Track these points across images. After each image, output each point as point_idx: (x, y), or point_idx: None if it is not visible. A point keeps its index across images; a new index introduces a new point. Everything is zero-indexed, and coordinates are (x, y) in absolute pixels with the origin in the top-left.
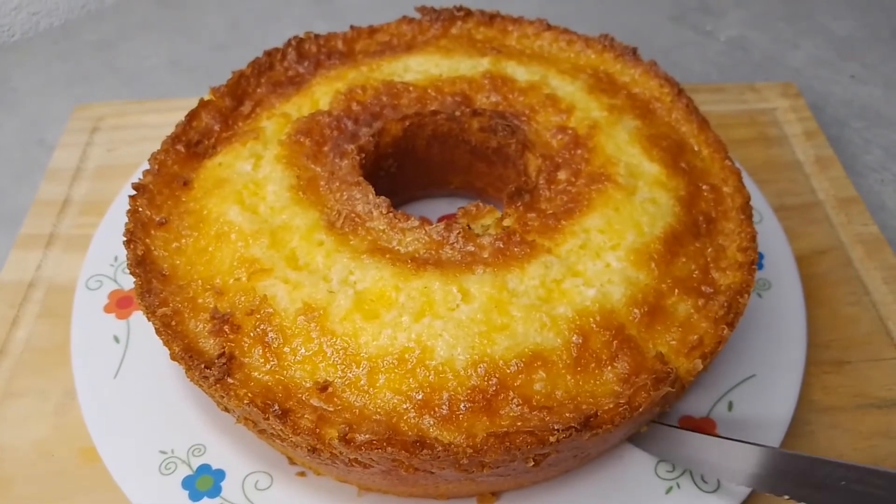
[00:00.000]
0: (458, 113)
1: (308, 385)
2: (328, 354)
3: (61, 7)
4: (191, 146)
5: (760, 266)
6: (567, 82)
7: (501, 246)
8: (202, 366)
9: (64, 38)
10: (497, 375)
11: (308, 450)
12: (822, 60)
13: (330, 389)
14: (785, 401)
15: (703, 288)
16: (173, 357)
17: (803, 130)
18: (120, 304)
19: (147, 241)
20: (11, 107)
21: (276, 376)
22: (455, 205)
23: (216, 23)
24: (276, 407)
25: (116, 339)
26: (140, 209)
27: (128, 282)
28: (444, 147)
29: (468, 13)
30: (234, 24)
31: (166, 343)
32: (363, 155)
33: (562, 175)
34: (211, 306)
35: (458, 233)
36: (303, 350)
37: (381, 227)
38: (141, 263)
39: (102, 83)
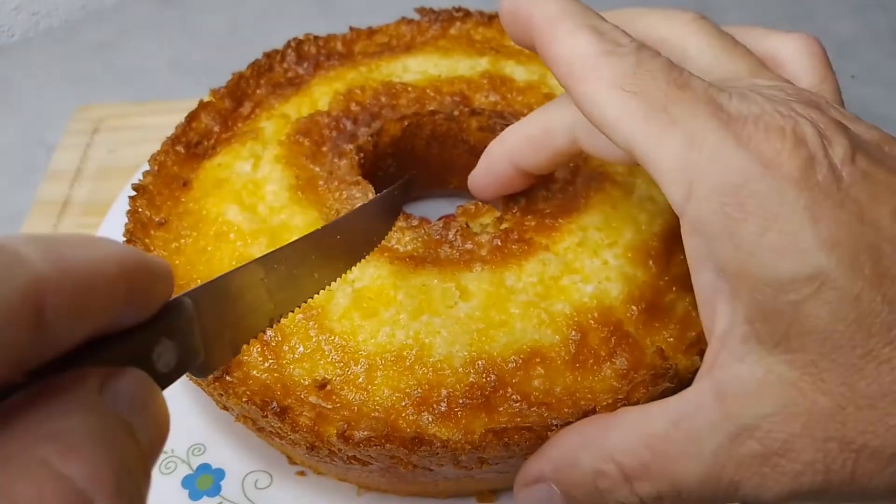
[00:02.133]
0: (456, 113)
1: (306, 383)
2: (326, 352)
3: (61, 7)
4: (190, 147)
5: None
6: None
7: (499, 244)
8: None
9: (64, 38)
10: (495, 372)
11: (307, 447)
12: None
13: (328, 387)
14: None
15: None
16: None
17: None
18: None
19: (147, 241)
20: (11, 107)
21: (275, 374)
22: (455, 204)
23: (217, 23)
24: (275, 405)
25: None
26: (140, 210)
27: None
28: (443, 147)
29: (467, 14)
30: (234, 25)
31: None
32: (362, 155)
33: (559, 174)
34: None
35: (457, 231)
36: (301, 348)
37: None
38: None
39: (103, 83)
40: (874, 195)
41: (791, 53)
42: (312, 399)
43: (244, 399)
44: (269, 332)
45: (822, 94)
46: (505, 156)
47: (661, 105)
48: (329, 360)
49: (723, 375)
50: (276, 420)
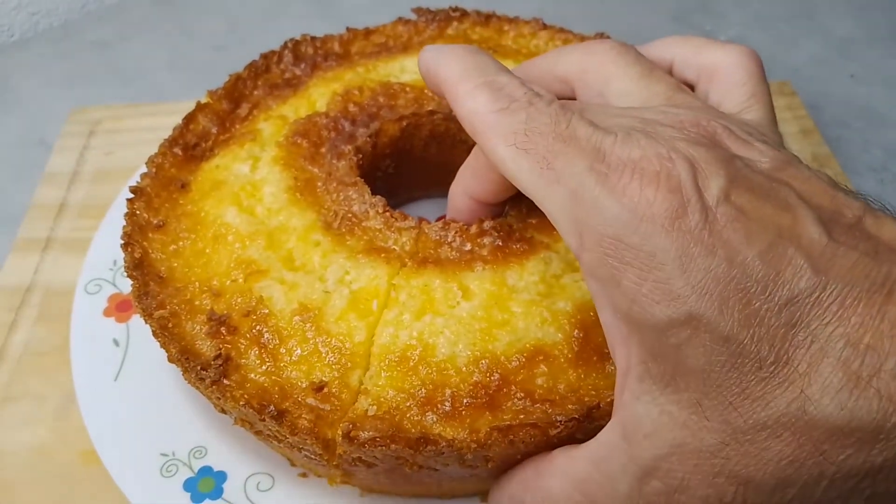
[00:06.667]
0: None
1: (304, 385)
2: (324, 354)
3: (61, 7)
4: (188, 149)
5: None
6: None
7: (500, 244)
8: (199, 368)
9: (64, 38)
10: (499, 371)
11: (315, 455)
12: (822, 60)
13: (325, 389)
14: None
15: None
16: (171, 359)
17: (800, 129)
18: (119, 308)
19: (145, 243)
20: (11, 107)
21: (273, 377)
22: None
23: (216, 23)
24: (272, 408)
25: (116, 343)
26: (138, 212)
27: (127, 285)
28: (442, 147)
29: (464, 14)
30: (233, 25)
31: (163, 345)
32: (360, 156)
33: None
34: (208, 308)
35: (456, 232)
36: (298, 350)
37: (378, 227)
38: (138, 266)
39: (102, 83)
40: (747, 235)
41: (724, 67)
42: (310, 401)
43: (241, 403)
44: (266, 335)
45: (749, 111)
46: (461, 191)
47: (546, 162)
48: (327, 362)
49: (626, 415)
50: (273, 423)
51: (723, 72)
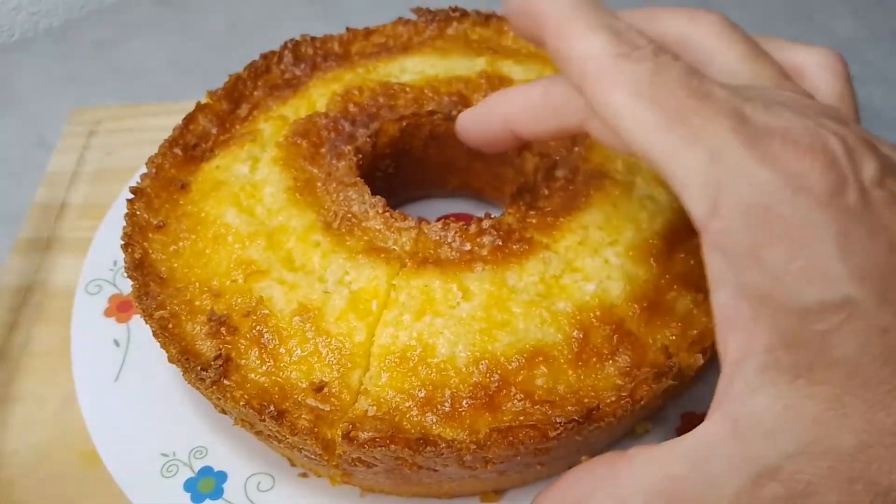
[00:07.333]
0: (454, 112)
1: (304, 385)
2: (324, 354)
3: (61, 7)
4: (188, 149)
5: None
6: None
7: (500, 244)
8: (199, 368)
9: (64, 38)
10: (499, 372)
11: (315, 455)
12: None
13: (326, 390)
14: None
15: (702, 283)
16: (171, 359)
17: None
18: (120, 308)
19: (145, 244)
20: (11, 107)
21: (273, 377)
22: (453, 205)
23: (216, 23)
24: (272, 408)
25: (117, 343)
26: (138, 213)
27: (127, 286)
28: (442, 147)
29: (464, 14)
30: (233, 25)
31: (164, 345)
32: (360, 156)
33: (559, 173)
34: (208, 308)
35: (456, 232)
36: (298, 351)
37: (378, 227)
38: (139, 266)
39: (102, 83)
40: None
41: (810, 67)
42: (310, 402)
43: (241, 403)
44: (266, 335)
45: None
46: (502, 117)
47: (680, 117)
48: (327, 362)
49: (738, 409)
50: (273, 423)
51: (809, 72)
